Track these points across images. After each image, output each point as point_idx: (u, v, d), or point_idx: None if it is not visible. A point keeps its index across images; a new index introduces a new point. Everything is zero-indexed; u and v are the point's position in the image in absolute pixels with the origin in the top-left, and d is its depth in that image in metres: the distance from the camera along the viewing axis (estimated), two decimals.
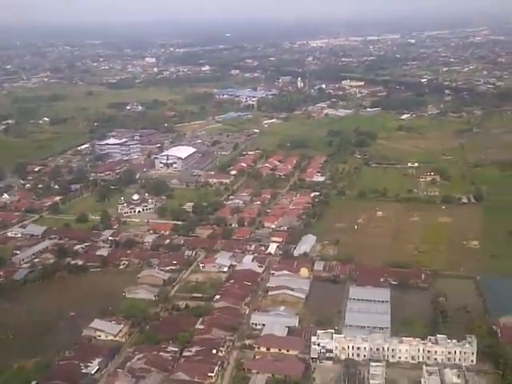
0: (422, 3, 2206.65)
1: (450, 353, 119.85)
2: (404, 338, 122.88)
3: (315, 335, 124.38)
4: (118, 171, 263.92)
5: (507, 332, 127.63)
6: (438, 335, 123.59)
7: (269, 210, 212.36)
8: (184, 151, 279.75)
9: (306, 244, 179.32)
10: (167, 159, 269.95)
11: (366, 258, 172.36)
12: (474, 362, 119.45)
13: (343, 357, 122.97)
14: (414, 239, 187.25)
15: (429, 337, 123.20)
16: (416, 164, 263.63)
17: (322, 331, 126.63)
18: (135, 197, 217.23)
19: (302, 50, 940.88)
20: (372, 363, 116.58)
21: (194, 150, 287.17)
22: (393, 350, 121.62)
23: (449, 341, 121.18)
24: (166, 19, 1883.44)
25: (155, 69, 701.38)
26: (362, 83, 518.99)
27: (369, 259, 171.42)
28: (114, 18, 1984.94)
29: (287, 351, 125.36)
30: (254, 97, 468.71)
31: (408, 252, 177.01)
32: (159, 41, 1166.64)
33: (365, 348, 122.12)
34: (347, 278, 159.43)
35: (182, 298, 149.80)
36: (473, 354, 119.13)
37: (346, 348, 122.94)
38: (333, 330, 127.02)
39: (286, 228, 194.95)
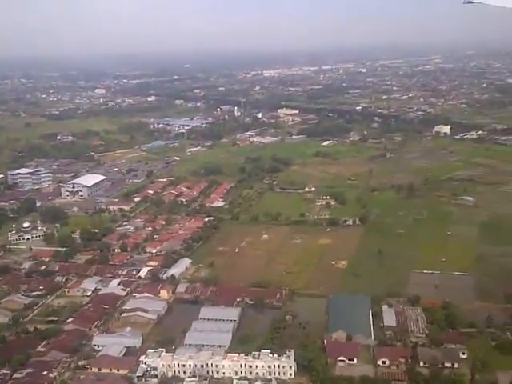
0: (379, 34, 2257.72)
1: (269, 367, 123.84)
2: (229, 354, 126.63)
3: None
4: (22, 200, 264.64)
5: (333, 346, 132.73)
6: (262, 350, 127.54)
7: (156, 236, 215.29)
8: (92, 179, 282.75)
9: (178, 267, 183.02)
10: (73, 187, 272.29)
11: (234, 279, 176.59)
12: (293, 375, 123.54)
13: (170, 374, 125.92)
14: (287, 260, 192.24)
15: (253, 352, 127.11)
16: (313, 189, 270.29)
17: (152, 350, 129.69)
18: (25, 224, 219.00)
19: (253, 79, 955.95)
20: (187, 379, 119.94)
21: (103, 177, 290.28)
22: (216, 366, 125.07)
23: (270, 355, 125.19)
24: (134, 52, 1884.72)
25: (101, 99, 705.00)
26: (297, 111, 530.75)
27: (236, 280, 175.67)
28: (84, 52, 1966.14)
29: (118, 371, 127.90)
30: (187, 125, 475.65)
31: (277, 272, 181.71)
32: (117, 72, 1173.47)
33: (190, 365, 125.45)
34: (207, 299, 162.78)
35: (39, 322, 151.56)
36: (291, 367, 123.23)
37: (173, 366, 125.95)
38: (163, 349, 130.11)
39: (166, 252, 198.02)
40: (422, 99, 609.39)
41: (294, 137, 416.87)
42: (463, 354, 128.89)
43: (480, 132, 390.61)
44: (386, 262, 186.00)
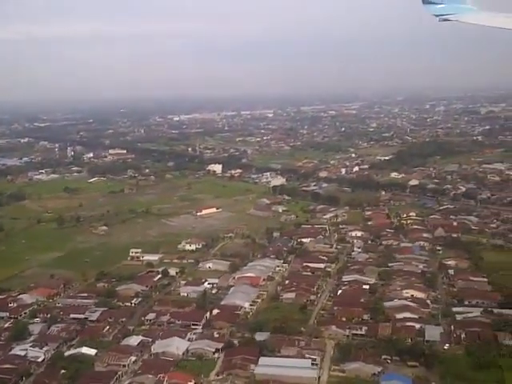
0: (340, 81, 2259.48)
1: None
2: None
3: None
4: None
5: None
6: None
7: None
8: None
9: None
10: None
11: None
12: None
13: None
14: None
15: None
16: None
17: None
18: None
19: (159, 123, 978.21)
20: None
21: None
22: None
23: None
24: (94, 98, 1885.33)
25: None
26: (125, 151, 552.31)
27: None
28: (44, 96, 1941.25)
29: None
30: (4, 164, 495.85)
31: None
32: (44, 117, 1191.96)
33: None
34: None
35: None
36: None
37: None
38: None
39: None
40: (264, 142, 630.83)
41: (75, 174, 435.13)
42: None
43: (239, 170, 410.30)
44: None
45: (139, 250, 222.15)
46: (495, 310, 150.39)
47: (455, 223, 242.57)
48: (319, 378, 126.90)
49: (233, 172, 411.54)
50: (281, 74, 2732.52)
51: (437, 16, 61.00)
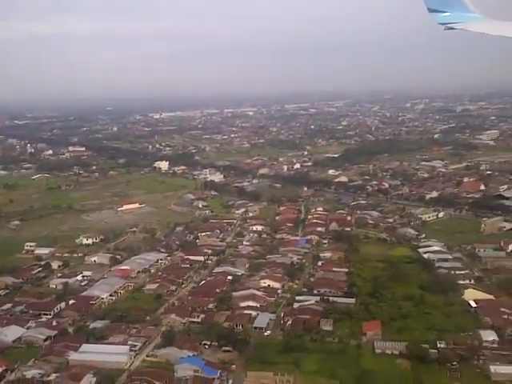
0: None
1: None
2: None
3: None
4: None
5: None
6: None
7: None
8: None
9: None
10: None
11: None
12: None
13: None
14: None
15: None
16: None
17: None
18: None
19: (136, 121, 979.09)
20: None
21: None
22: None
23: None
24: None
25: None
26: (83, 149, 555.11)
27: None
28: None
29: None
30: None
31: None
32: (29, 115, 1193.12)
33: None
34: None
35: None
36: None
37: None
38: None
39: None
40: (229, 139, 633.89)
41: (23, 171, 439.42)
42: None
43: (182, 167, 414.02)
44: None
45: (33, 244, 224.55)
46: (332, 299, 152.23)
47: (353, 218, 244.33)
48: (132, 363, 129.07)
49: (176, 169, 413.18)
50: (279, 72, 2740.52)
51: (442, 24, 58.85)
